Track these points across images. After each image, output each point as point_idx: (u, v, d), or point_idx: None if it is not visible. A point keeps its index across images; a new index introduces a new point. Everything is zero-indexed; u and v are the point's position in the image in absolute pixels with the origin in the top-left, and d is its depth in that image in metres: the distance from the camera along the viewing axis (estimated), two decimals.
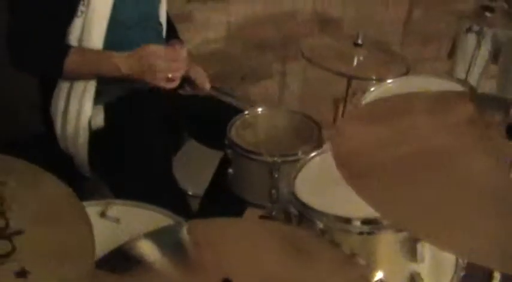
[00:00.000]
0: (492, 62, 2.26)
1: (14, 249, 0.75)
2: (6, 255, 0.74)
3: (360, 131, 0.94)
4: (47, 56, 1.58)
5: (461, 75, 2.23)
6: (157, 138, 1.66)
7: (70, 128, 1.62)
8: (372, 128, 1.01)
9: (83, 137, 1.63)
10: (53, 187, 0.81)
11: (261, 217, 1.82)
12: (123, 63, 1.56)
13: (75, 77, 1.60)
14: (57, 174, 1.12)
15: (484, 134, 1.01)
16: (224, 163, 1.81)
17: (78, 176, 1.71)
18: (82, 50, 1.59)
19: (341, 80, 2.29)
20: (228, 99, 1.88)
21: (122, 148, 1.59)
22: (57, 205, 0.79)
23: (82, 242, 0.73)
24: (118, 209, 1.31)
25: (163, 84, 1.59)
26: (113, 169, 1.61)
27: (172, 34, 1.91)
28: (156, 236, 1.05)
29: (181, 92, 1.84)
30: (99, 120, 1.65)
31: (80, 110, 1.61)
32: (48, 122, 1.66)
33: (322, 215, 1.18)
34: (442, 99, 1.12)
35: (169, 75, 1.58)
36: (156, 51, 1.57)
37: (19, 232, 0.75)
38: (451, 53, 2.39)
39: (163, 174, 1.62)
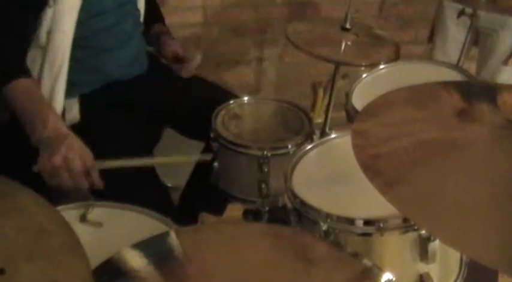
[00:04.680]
0: (473, 44, 2.23)
1: None
2: None
3: (375, 130, 0.86)
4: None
5: (441, 58, 2.19)
6: (137, 130, 1.56)
7: None
8: (381, 128, 0.93)
9: None
10: (35, 207, 0.69)
11: (246, 212, 1.76)
12: (54, 123, 1.34)
13: (5, 98, 1.39)
14: (27, 175, 1.00)
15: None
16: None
17: None
18: (36, 84, 1.43)
19: (320, 64, 2.23)
20: None
21: (100, 143, 1.48)
22: (42, 231, 0.67)
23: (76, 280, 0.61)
24: (99, 211, 1.23)
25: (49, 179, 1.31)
26: None
27: (157, 19, 1.81)
28: (144, 247, 0.97)
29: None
30: (74, 114, 1.53)
31: (50, 104, 1.49)
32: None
33: (324, 215, 1.10)
34: (425, 90, 1.05)
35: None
36: (86, 155, 1.34)
37: None
38: (431, 37, 2.34)
39: (145, 170, 1.53)
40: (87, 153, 1.33)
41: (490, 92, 0.94)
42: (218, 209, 1.89)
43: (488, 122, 0.93)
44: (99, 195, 1.41)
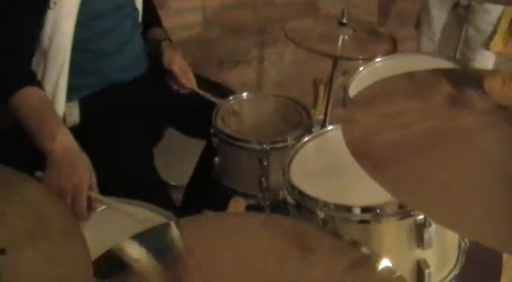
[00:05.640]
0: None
1: None
2: None
3: (366, 117, 0.88)
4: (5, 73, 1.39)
5: (426, 43, 2.29)
6: (137, 131, 1.58)
7: None
8: (371, 115, 0.95)
9: None
10: (37, 195, 0.71)
11: (248, 207, 1.78)
12: (63, 138, 1.28)
13: (13, 110, 1.35)
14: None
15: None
16: (207, 152, 1.75)
17: None
18: (43, 93, 1.39)
19: (320, 61, 2.25)
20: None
21: (100, 145, 1.50)
22: (43, 217, 0.69)
23: (76, 263, 0.64)
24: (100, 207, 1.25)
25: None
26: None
27: (154, 22, 1.82)
28: (145, 238, 0.99)
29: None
30: (75, 117, 1.55)
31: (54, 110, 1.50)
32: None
33: (321, 204, 1.12)
34: (419, 79, 1.06)
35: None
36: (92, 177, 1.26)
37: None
38: (418, 23, 2.39)
39: (145, 169, 1.55)
40: (93, 176, 1.26)
41: (477, 78, 0.96)
42: (221, 204, 1.90)
43: (477, 108, 0.95)
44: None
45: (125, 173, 1.50)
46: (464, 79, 1.02)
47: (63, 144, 1.26)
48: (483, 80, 0.93)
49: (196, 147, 1.87)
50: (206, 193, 1.82)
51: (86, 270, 0.65)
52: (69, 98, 1.54)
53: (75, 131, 1.54)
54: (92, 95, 1.60)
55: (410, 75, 1.02)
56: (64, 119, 1.54)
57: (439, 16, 2.21)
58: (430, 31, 2.26)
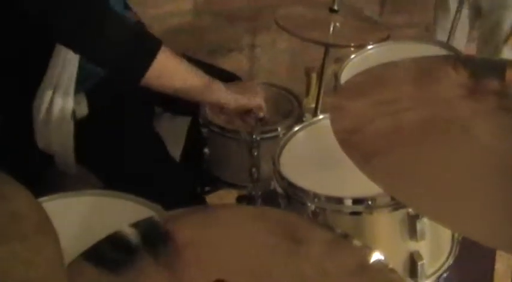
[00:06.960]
0: (471, 28, 2.24)
1: None
2: None
3: (355, 106, 0.85)
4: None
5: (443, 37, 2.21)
6: (139, 114, 1.55)
7: (53, 123, 1.43)
8: (362, 102, 0.92)
9: (68, 131, 1.45)
10: (10, 193, 0.68)
11: (239, 197, 1.75)
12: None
13: (155, 85, 1.31)
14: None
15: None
16: (193, 128, 1.70)
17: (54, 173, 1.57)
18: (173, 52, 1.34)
19: (313, 49, 2.23)
20: None
21: (112, 134, 1.46)
22: (17, 215, 0.67)
23: (48, 262, 0.62)
24: (89, 199, 1.21)
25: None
26: (105, 159, 1.46)
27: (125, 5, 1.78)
28: (135, 229, 0.96)
29: None
30: (83, 108, 1.50)
31: (64, 102, 1.43)
32: (21, 121, 1.47)
33: (312, 195, 1.09)
34: (426, 66, 1.03)
35: None
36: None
37: None
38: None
39: (160, 155, 1.51)
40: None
41: (478, 66, 0.93)
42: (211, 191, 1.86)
43: (475, 97, 0.92)
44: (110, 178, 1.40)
45: (140, 161, 1.46)
46: (466, 66, 0.99)
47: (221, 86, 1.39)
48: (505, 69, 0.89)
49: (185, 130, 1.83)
50: (195, 179, 1.78)
51: (58, 270, 0.63)
52: (76, 90, 1.49)
53: (84, 123, 1.50)
54: (96, 85, 1.56)
55: (403, 62, 1.00)
56: (73, 112, 1.47)
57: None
58: (445, 22, 2.21)
